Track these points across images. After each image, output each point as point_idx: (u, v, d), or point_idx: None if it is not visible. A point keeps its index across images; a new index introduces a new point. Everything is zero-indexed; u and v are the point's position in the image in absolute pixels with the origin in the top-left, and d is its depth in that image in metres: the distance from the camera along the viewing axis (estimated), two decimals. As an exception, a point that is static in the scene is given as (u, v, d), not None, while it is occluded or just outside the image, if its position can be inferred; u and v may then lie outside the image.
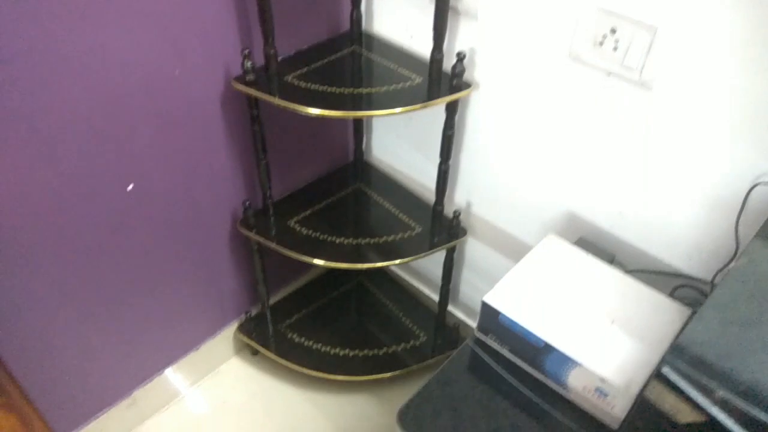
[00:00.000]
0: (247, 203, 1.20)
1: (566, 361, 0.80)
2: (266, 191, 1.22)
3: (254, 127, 1.10)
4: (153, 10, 0.91)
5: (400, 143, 1.34)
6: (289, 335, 1.44)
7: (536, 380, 0.86)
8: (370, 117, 1.36)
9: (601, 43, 0.87)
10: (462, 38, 1.07)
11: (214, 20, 1.01)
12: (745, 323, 0.57)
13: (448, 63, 1.07)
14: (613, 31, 0.85)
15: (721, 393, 0.52)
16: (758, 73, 0.74)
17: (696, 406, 0.53)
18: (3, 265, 0.94)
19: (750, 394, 0.51)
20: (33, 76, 0.83)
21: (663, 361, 0.55)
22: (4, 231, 0.91)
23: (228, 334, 1.44)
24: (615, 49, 0.86)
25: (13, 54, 0.80)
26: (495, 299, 0.86)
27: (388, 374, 1.36)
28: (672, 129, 0.86)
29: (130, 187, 1.03)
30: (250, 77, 1.03)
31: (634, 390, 0.75)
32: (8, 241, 0.92)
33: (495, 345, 0.90)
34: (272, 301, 1.48)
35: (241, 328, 1.44)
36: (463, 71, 1.04)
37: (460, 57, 1.02)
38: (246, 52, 1.00)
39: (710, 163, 0.84)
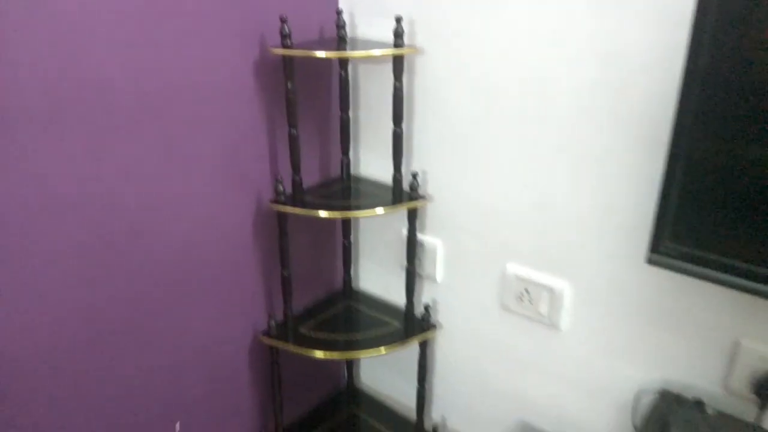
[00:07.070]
0: (263, 433, 1.47)
1: None
2: (279, 420, 1.49)
3: (273, 368, 1.43)
4: (205, 292, 1.30)
5: (384, 370, 1.67)
6: None
7: None
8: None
9: (521, 299, 1.28)
10: (426, 292, 1.48)
11: (250, 294, 1.39)
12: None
13: (418, 310, 1.46)
14: (527, 291, 1.27)
15: None
16: (630, 315, 1.15)
17: None
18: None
19: None
20: (124, 346, 1.17)
21: None
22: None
23: None
24: (530, 302, 1.27)
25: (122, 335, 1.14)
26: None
27: None
28: (578, 355, 1.23)
29: (178, 426, 1.30)
30: (273, 332, 1.38)
31: None
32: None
33: None
34: None
35: None
36: (429, 317, 1.43)
37: (427, 309, 1.42)
38: (272, 314, 1.38)
39: (608, 378, 1.20)
